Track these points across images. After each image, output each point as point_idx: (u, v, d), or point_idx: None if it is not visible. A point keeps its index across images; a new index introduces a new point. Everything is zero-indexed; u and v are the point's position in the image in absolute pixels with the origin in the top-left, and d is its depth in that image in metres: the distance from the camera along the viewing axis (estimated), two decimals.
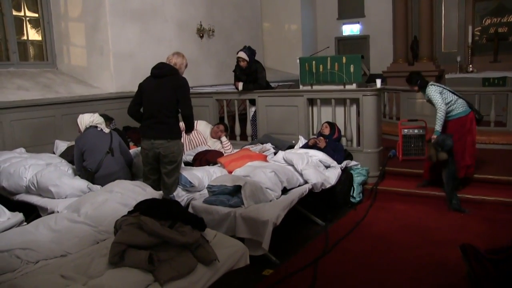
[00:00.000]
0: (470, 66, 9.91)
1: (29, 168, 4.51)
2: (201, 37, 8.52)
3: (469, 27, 9.91)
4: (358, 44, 12.09)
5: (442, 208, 4.97)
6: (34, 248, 2.84)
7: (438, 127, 5.01)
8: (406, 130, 6.27)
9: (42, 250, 2.86)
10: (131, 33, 7.10)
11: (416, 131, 6.27)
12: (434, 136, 5.00)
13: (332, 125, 5.72)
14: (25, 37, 6.87)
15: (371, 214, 4.99)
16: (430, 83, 5.26)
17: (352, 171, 5.45)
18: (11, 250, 2.78)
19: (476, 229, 4.44)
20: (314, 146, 5.44)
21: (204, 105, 6.84)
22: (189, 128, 4.43)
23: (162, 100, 4.14)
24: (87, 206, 3.55)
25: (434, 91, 5.10)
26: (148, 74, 4.32)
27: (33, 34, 7.00)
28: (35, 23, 6.99)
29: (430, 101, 5.19)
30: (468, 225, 4.55)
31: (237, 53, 6.25)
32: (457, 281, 3.42)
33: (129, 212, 2.95)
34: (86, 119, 4.72)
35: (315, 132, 6.03)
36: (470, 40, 9.87)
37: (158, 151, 4.20)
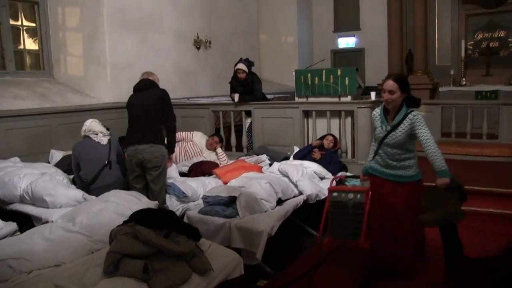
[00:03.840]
0: (463, 79, 10.05)
1: (23, 177, 4.49)
2: (198, 48, 8.58)
3: (462, 42, 10.08)
4: (353, 57, 12.19)
5: None
6: (28, 257, 2.82)
7: (443, 161, 3.22)
8: (336, 194, 3.86)
9: (36, 259, 2.84)
10: (129, 44, 7.14)
11: (353, 196, 3.77)
12: (445, 180, 3.17)
13: (335, 139, 5.75)
14: (22, 46, 6.89)
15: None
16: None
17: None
18: (4, 260, 2.75)
19: (467, 240, 4.39)
20: (309, 157, 5.47)
21: (200, 116, 6.87)
22: (172, 145, 4.62)
23: (147, 107, 4.36)
24: (82, 215, 3.54)
25: (420, 117, 3.40)
26: None
27: (30, 44, 7.02)
28: (32, 33, 7.02)
29: (404, 133, 3.38)
30: (460, 236, 4.55)
31: (236, 64, 6.31)
32: None
33: (125, 222, 2.96)
34: (87, 125, 4.75)
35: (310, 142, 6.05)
36: (463, 54, 10.02)
37: (141, 157, 4.29)
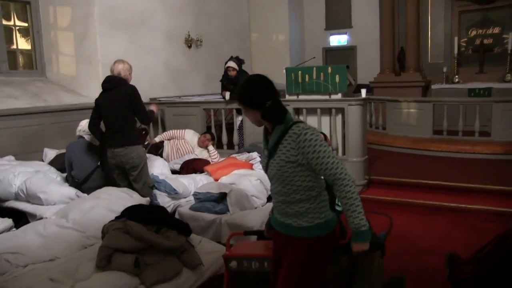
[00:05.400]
0: (456, 77, 10.02)
1: (18, 175, 4.55)
2: (189, 47, 8.62)
3: (455, 38, 10.02)
4: (345, 55, 12.26)
5: (426, 216, 5.06)
6: (23, 252, 2.91)
7: (362, 214, 2.12)
8: (234, 263, 2.67)
9: (31, 254, 2.92)
10: (120, 43, 7.18)
11: (259, 264, 2.66)
12: (364, 246, 2.14)
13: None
14: (14, 46, 6.92)
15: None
16: (295, 119, 2.26)
17: None
18: (1, 254, 2.85)
19: (459, 237, 4.51)
20: None
21: (191, 114, 6.92)
22: (148, 121, 4.76)
23: (116, 111, 4.33)
24: (75, 212, 3.61)
25: (314, 133, 2.12)
26: (135, 83, 4.51)
27: (22, 43, 7.04)
28: (24, 32, 7.04)
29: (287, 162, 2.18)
30: (451, 233, 4.62)
31: (226, 62, 6.36)
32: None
33: (116, 218, 3.03)
34: (82, 125, 4.81)
35: None
36: (456, 51, 9.97)
37: (118, 160, 4.36)
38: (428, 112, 7.78)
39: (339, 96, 6.01)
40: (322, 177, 2.18)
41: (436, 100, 8.17)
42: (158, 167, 5.28)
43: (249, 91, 2.16)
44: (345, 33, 12.25)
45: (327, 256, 2.17)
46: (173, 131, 6.35)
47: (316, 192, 2.17)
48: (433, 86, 9.99)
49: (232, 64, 6.28)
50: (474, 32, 10.40)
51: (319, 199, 2.18)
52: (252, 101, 2.16)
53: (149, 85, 7.36)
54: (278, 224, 2.27)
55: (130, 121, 4.41)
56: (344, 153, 5.92)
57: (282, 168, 2.11)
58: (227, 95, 6.42)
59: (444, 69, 10.14)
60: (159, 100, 7.25)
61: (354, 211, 2.07)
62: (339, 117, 5.97)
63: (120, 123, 4.31)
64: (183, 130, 6.37)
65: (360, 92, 6.22)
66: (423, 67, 10.80)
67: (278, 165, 2.12)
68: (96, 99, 4.49)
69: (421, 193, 5.46)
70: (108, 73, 4.55)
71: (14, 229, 3.60)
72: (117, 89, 4.35)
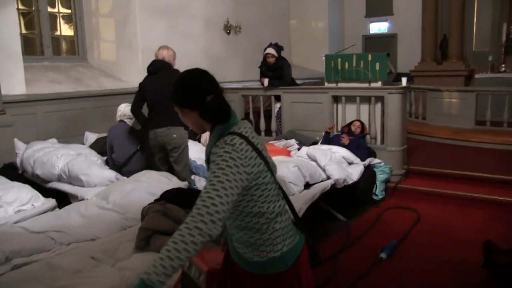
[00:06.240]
0: (503, 65, 9.53)
1: (61, 157, 4.68)
2: (228, 33, 8.62)
3: (504, 25, 9.53)
4: (385, 43, 11.97)
5: (465, 208, 4.92)
6: (67, 231, 3.00)
7: (170, 271, 1.46)
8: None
9: (73, 233, 3.01)
10: (160, 29, 7.24)
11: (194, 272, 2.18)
12: None
13: (363, 124, 5.73)
14: (58, 33, 7.10)
15: (393, 212, 4.99)
16: (239, 128, 1.72)
17: (375, 169, 5.45)
18: (46, 232, 2.96)
19: (498, 230, 4.38)
20: (338, 143, 5.47)
21: (230, 100, 6.69)
22: None
23: (160, 94, 4.36)
24: (115, 194, 3.69)
25: (229, 151, 1.60)
26: (175, 67, 4.57)
27: (65, 30, 7.22)
28: (68, 19, 7.21)
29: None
30: (491, 226, 4.50)
31: (265, 49, 6.32)
32: (478, 281, 3.41)
33: (155, 200, 3.07)
34: (122, 110, 4.88)
35: (339, 129, 6.04)
36: (504, 38, 9.49)
37: (161, 140, 4.42)
38: (471, 102, 7.53)
39: (379, 84, 5.90)
40: (279, 200, 1.73)
41: (480, 89, 7.89)
42: (196, 152, 5.32)
43: (182, 88, 1.72)
44: (386, 21, 11.95)
45: None
46: None
47: (266, 219, 1.67)
48: (476, 75, 9.59)
49: (271, 50, 6.23)
50: None
51: (271, 228, 1.68)
52: (186, 100, 1.70)
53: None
54: (232, 249, 1.82)
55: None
56: (382, 142, 5.82)
57: None
58: (266, 81, 6.39)
59: (490, 58, 9.68)
60: None
61: (167, 258, 1.44)
62: (379, 105, 5.87)
63: (163, 104, 4.35)
64: None
65: (400, 80, 6.08)
66: (466, 55, 10.41)
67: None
68: (141, 83, 4.59)
69: (460, 184, 5.30)
70: (148, 59, 4.62)
71: (57, 209, 3.72)
72: (162, 72, 4.43)
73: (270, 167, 1.68)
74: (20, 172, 4.93)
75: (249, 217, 1.66)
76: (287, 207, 1.79)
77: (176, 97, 1.72)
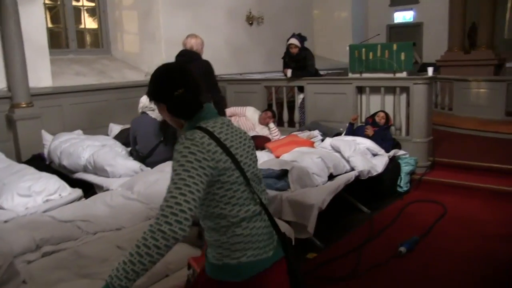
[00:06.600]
0: None
1: (86, 148, 4.75)
2: (251, 24, 8.59)
3: None
4: (410, 32, 11.74)
5: (494, 202, 4.80)
6: (93, 220, 3.05)
7: (133, 276, 1.41)
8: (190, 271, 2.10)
9: (99, 223, 3.06)
10: (182, 21, 7.25)
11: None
12: None
13: (387, 115, 5.65)
14: (82, 26, 7.19)
15: (419, 204, 4.91)
16: (211, 122, 1.67)
17: (400, 161, 5.37)
18: (73, 221, 3.02)
19: None
20: (362, 134, 5.40)
21: (252, 91, 6.92)
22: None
23: None
24: (139, 184, 3.73)
25: (187, 147, 1.52)
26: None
27: (89, 23, 7.31)
28: (91, 12, 7.29)
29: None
30: None
31: (288, 40, 6.27)
32: (507, 275, 3.33)
33: None
34: (143, 101, 4.91)
35: (363, 120, 5.97)
36: None
37: None
38: (501, 92, 7.34)
39: (404, 74, 5.79)
40: (250, 206, 1.63)
41: (511, 79, 7.65)
42: None
43: (152, 82, 1.68)
44: (411, 9, 11.73)
45: None
46: (234, 108, 6.38)
47: (228, 222, 1.59)
48: (507, 64, 9.31)
49: (294, 41, 6.18)
50: None
51: (231, 232, 1.59)
52: (155, 93, 1.67)
53: (210, 62, 7.42)
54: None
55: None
56: (407, 133, 5.72)
57: None
58: (289, 72, 6.34)
59: None
60: (221, 77, 7.30)
61: (129, 263, 1.40)
62: (404, 96, 5.77)
63: None
64: (244, 107, 6.39)
65: (425, 71, 5.96)
66: (497, 44, 10.08)
67: None
68: None
69: (488, 177, 5.16)
70: (171, 50, 4.61)
71: (83, 199, 3.79)
72: (191, 63, 4.37)
73: (241, 166, 1.59)
74: (47, 162, 5.04)
75: (213, 217, 1.59)
76: (265, 216, 1.68)
77: (148, 90, 1.69)
